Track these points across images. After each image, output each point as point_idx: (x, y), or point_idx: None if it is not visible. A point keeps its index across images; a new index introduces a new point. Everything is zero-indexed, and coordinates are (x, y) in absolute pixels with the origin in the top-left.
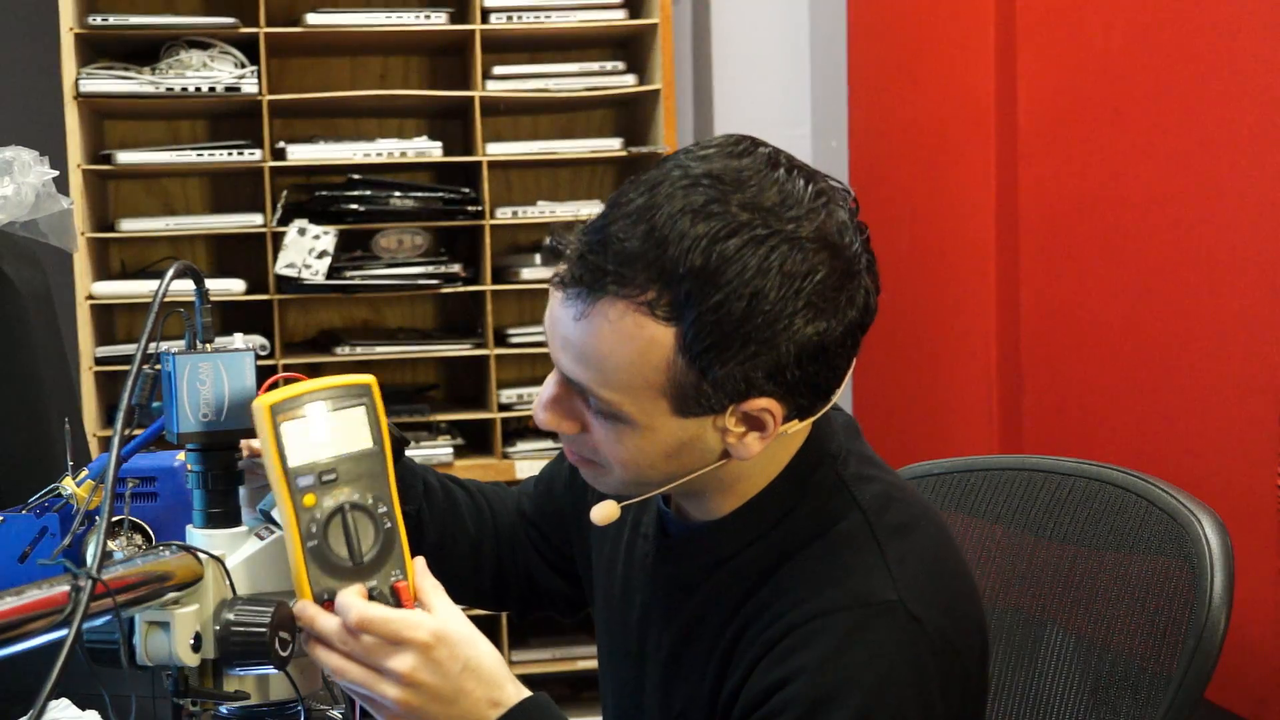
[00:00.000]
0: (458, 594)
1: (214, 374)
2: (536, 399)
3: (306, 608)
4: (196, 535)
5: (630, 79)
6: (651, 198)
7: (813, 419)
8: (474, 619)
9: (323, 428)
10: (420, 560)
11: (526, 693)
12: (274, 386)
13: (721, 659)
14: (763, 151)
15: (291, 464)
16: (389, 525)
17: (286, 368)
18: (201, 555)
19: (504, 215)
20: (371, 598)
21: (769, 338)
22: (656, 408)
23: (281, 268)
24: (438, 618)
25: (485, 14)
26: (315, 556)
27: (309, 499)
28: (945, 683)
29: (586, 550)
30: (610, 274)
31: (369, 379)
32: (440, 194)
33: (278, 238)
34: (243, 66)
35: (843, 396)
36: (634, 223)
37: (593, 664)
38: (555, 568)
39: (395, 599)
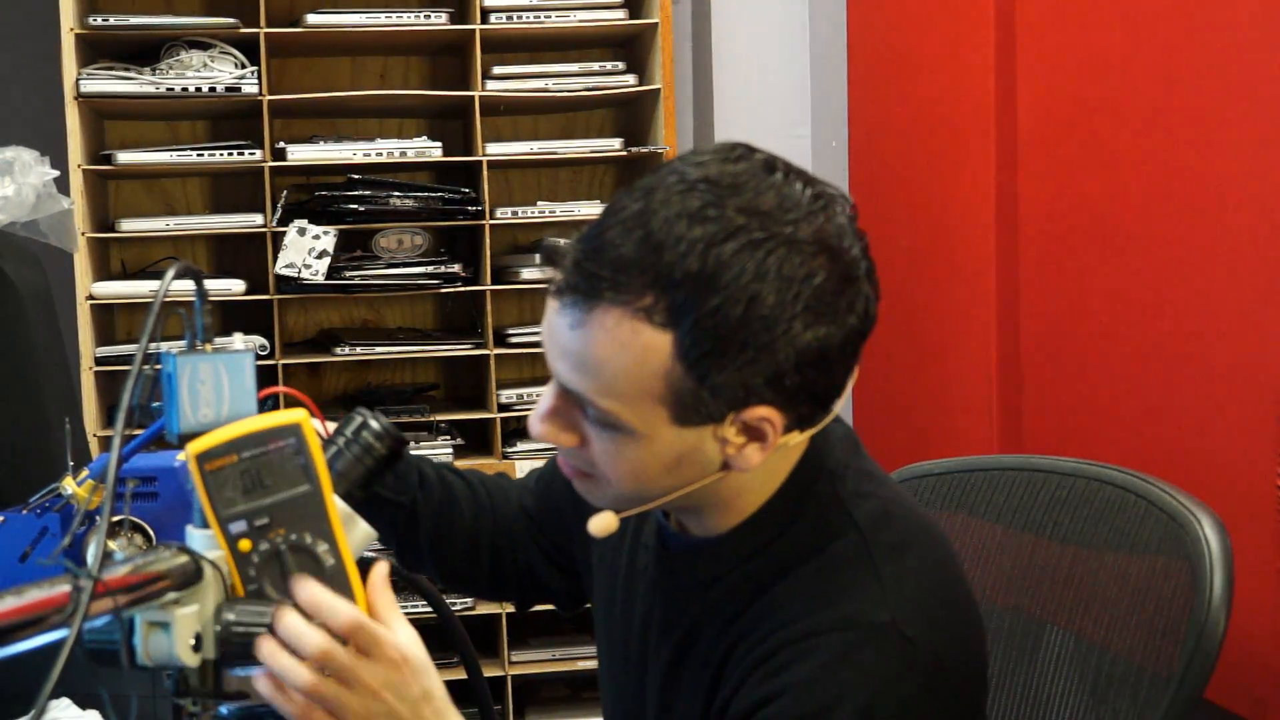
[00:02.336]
0: (455, 585)
1: (214, 374)
2: (533, 412)
3: (290, 620)
4: (196, 535)
5: (630, 79)
6: (647, 203)
7: (813, 431)
8: (474, 618)
9: (252, 472)
10: (382, 567)
11: None
12: (270, 398)
13: (714, 673)
14: (759, 157)
15: (222, 512)
16: (332, 562)
17: (286, 368)
18: (201, 556)
19: (504, 215)
20: None
21: (768, 343)
22: (656, 416)
23: (281, 268)
24: (401, 638)
25: (485, 14)
26: (257, 600)
27: (244, 544)
28: (934, 705)
29: (587, 551)
30: (606, 280)
31: (299, 417)
32: (440, 194)
33: (278, 238)
34: (243, 67)
35: (842, 399)
36: (629, 229)
37: (593, 664)
38: (555, 563)
39: None
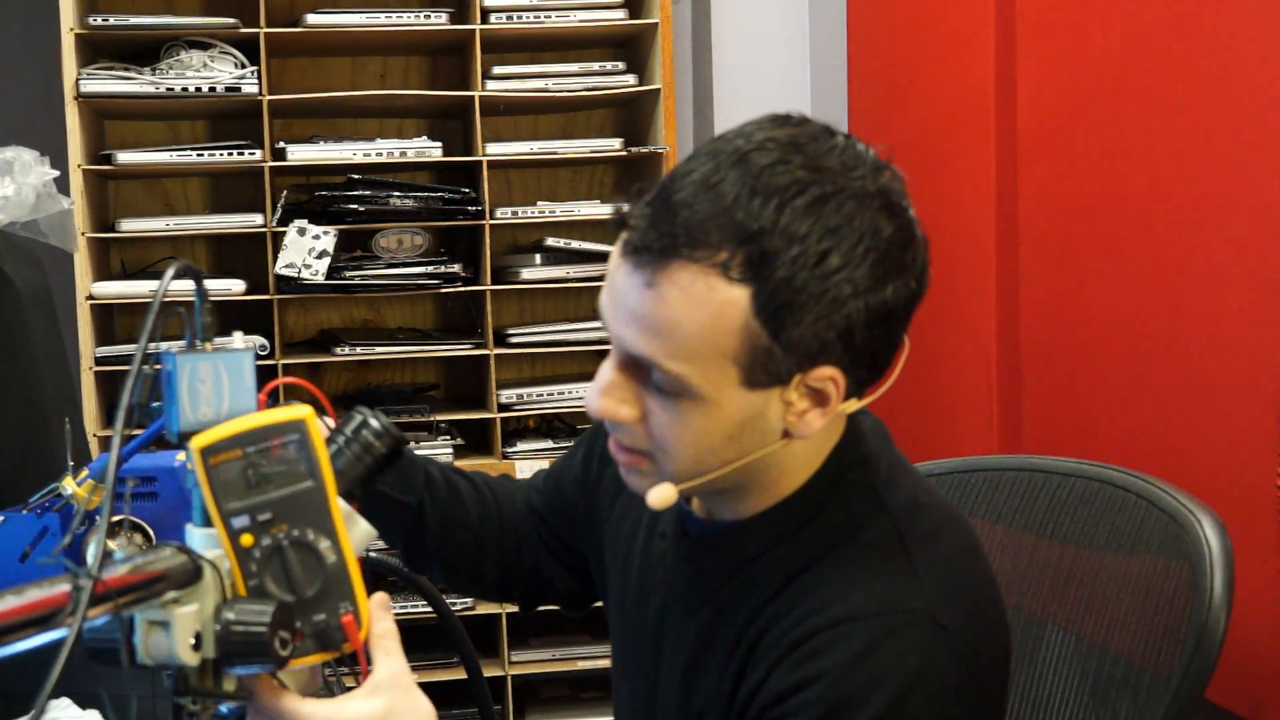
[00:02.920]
0: (461, 585)
1: (214, 374)
2: (590, 389)
3: None
4: (196, 535)
5: (630, 79)
6: (715, 165)
7: (869, 400)
8: (474, 618)
9: (256, 467)
10: (381, 596)
11: None
12: (275, 392)
13: (742, 658)
14: (816, 123)
15: (225, 505)
16: (333, 559)
17: (286, 368)
18: (200, 556)
19: (504, 215)
20: (317, 632)
21: (840, 296)
22: (725, 378)
23: (281, 268)
24: (338, 707)
25: (485, 14)
26: (258, 596)
27: (246, 539)
28: (967, 692)
29: (599, 548)
30: (681, 238)
31: (303, 413)
32: (440, 194)
33: (278, 238)
34: (243, 67)
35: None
36: (699, 189)
37: (593, 664)
38: (564, 563)
39: (342, 634)
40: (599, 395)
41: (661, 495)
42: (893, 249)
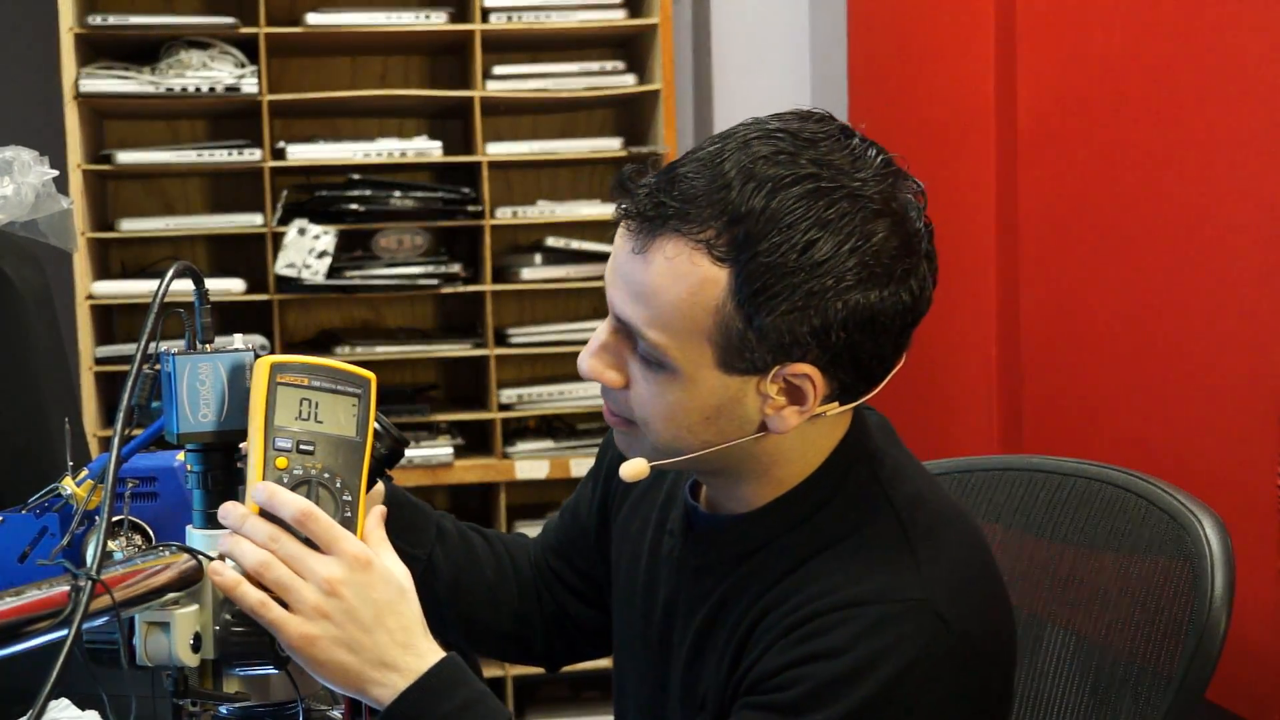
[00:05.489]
0: (480, 640)
1: (213, 374)
2: (584, 349)
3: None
4: (196, 535)
5: (630, 79)
6: (723, 146)
7: (852, 405)
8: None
9: (315, 402)
10: (378, 509)
11: (441, 652)
12: None
13: (740, 641)
14: (837, 123)
15: (275, 424)
16: (349, 515)
17: None
18: (201, 556)
19: (504, 215)
20: None
21: (819, 292)
22: (701, 356)
23: (281, 268)
24: (384, 559)
25: (485, 14)
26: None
27: (281, 461)
28: (960, 689)
29: (607, 561)
30: (673, 210)
31: (370, 375)
32: (440, 194)
33: (278, 238)
34: (243, 66)
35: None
36: (702, 166)
37: (593, 665)
38: (585, 598)
39: None
40: (590, 356)
41: (633, 468)
42: (883, 255)
